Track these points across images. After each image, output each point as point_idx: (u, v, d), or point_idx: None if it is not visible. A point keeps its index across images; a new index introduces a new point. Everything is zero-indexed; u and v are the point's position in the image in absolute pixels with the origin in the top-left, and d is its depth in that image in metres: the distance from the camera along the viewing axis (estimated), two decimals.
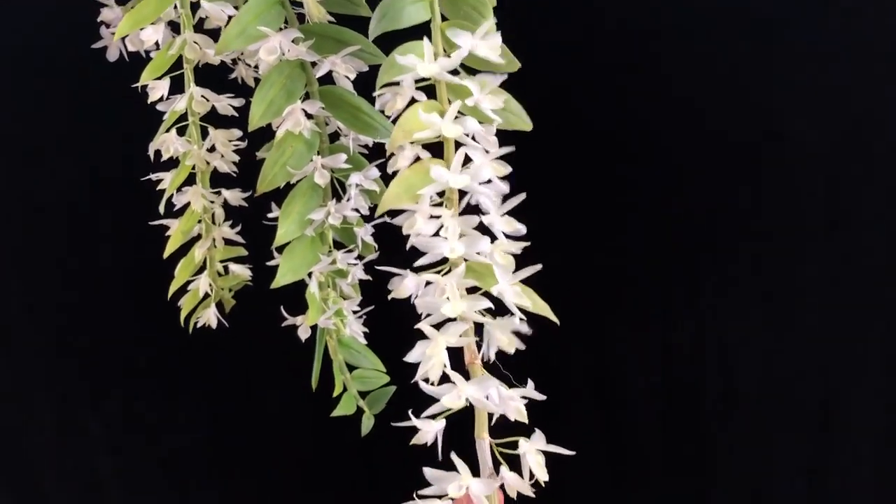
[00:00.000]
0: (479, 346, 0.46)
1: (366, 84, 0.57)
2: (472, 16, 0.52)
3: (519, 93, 0.50)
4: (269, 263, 0.61)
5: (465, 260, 0.46)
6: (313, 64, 0.58)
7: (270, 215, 0.61)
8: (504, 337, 0.46)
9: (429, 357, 0.44)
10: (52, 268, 0.98)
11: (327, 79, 0.59)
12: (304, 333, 0.64)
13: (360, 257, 0.62)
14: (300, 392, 0.67)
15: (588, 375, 0.98)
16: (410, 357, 0.45)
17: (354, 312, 0.64)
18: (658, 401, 0.97)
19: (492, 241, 0.46)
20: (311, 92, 0.59)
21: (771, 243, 0.93)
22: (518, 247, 0.46)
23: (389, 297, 0.47)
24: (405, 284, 0.46)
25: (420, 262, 0.46)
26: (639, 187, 0.94)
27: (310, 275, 0.62)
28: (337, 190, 0.61)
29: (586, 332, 0.95)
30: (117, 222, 0.96)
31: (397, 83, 0.49)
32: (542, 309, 0.47)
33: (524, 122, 0.51)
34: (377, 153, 0.60)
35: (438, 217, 0.46)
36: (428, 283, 0.46)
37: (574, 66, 0.92)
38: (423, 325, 0.45)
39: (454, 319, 0.45)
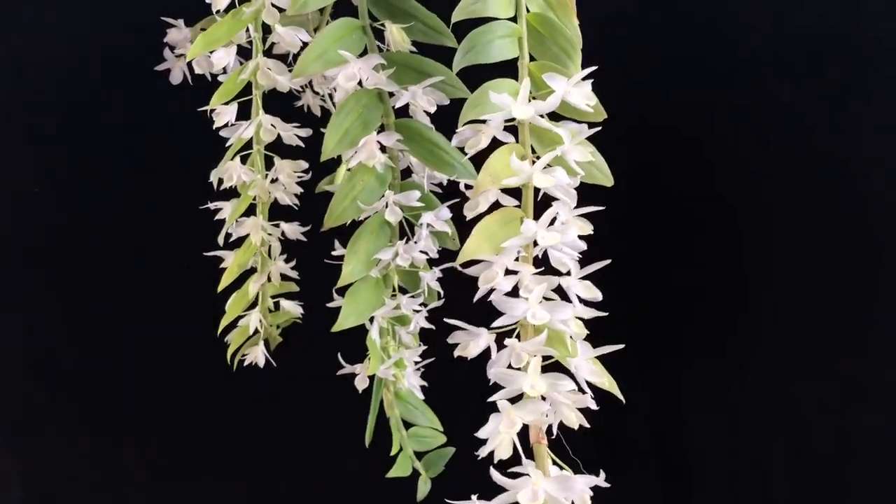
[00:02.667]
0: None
1: (442, 119, 0.56)
2: (560, 57, 0.50)
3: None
4: (329, 305, 0.57)
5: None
6: (391, 94, 0.55)
7: (335, 253, 0.57)
8: (572, 414, 0.43)
9: (501, 434, 0.41)
10: (95, 297, 0.94)
11: (404, 112, 0.57)
12: (361, 384, 0.61)
13: (423, 304, 0.59)
14: (348, 446, 0.63)
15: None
16: (482, 433, 0.41)
17: (415, 363, 0.60)
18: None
19: None
20: (386, 124, 0.56)
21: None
22: (592, 314, 0.43)
23: (456, 354, 0.43)
24: (476, 344, 0.43)
25: (497, 322, 0.42)
26: (705, 235, 0.91)
27: (371, 320, 0.58)
28: (405, 230, 0.58)
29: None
30: (164, 252, 0.92)
31: (482, 121, 0.47)
32: (610, 385, 0.44)
33: (606, 178, 0.49)
34: (449, 193, 0.58)
35: (516, 273, 0.43)
36: (502, 346, 0.42)
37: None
38: (499, 399, 0.41)
39: (535, 397, 0.41)
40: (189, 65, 0.65)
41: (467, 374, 0.46)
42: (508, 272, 0.43)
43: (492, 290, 0.43)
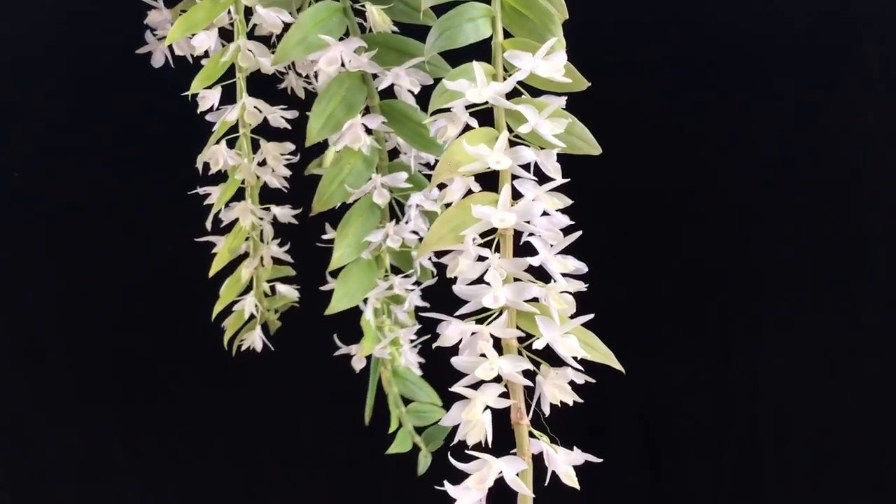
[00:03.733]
0: (527, 403, 0.42)
1: (428, 98, 0.54)
2: (538, 31, 0.48)
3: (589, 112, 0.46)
4: (322, 288, 0.57)
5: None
6: (375, 76, 0.55)
7: (325, 237, 0.57)
8: (557, 391, 0.42)
9: (467, 422, 0.40)
10: (83, 285, 0.93)
11: (389, 93, 0.56)
12: (358, 364, 0.61)
13: (417, 283, 0.58)
14: (349, 423, 0.63)
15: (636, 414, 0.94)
16: (445, 421, 0.40)
17: (411, 342, 0.60)
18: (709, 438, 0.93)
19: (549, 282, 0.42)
20: (371, 106, 0.56)
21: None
22: (577, 287, 0.42)
23: (434, 346, 0.43)
24: (447, 334, 0.41)
25: (462, 310, 0.41)
26: (693, 218, 0.90)
27: (365, 301, 0.58)
28: (395, 211, 0.57)
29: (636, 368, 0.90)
30: (157, 238, 0.92)
31: (449, 109, 0.46)
32: (605, 356, 0.43)
33: (591, 147, 0.47)
34: None
35: (486, 259, 0.42)
36: (472, 333, 0.41)
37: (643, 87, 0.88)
38: (459, 387, 0.40)
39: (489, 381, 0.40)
40: (171, 48, 0.64)
41: None
42: (480, 259, 0.42)
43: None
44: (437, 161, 0.56)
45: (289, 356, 0.69)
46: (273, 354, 0.66)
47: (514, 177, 0.43)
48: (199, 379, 0.93)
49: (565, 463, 0.42)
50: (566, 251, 0.42)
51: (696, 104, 0.88)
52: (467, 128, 0.44)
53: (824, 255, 0.89)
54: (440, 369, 0.62)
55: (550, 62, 0.44)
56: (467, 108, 0.44)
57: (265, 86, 0.61)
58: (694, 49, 0.88)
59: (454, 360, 0.40)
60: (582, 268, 0.42)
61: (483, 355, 0.40)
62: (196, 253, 0.63)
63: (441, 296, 0.45)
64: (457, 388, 0.40)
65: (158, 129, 0.88)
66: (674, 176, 0.89)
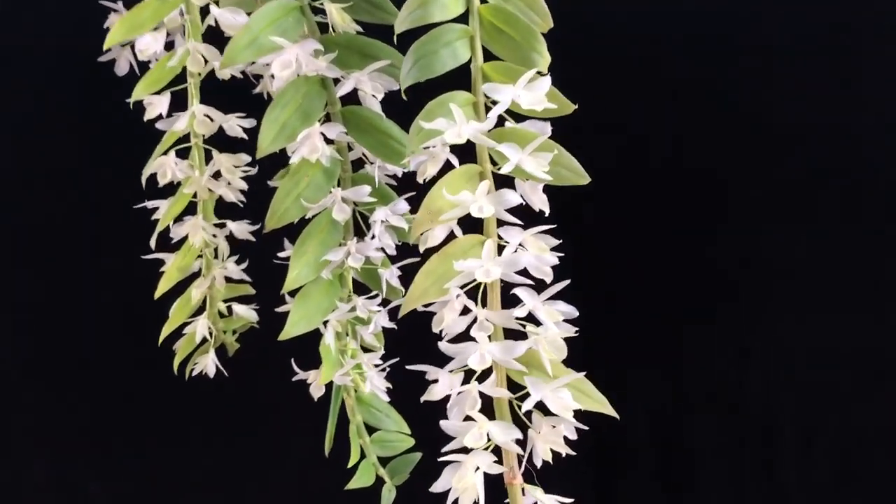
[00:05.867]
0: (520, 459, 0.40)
1: (396, 104, 0.51)
2: (521, 49, 0.45)
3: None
4: (278, 310, 0.53)
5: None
6: (336, 81, 0.51)
7: (282, 254, 0.53)
8: (549, 447, 0.40)
9: (459, 490, 0.39)
10: (25, 303, 0.89)
11: (352, 98, 0.52)
12: (316, 392, 0.56)
13: (384, 302, 0.54)
14: (310, 457, 0.58)
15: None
16: (436, 487, 0.39)
17: (376, 366, 0.56)
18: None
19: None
20: (332, 113, 0.52)
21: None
22: (568, 332, 0.40)
23: (422, 400, 0.41)
24: (436, 388, 0.40)
25: (449, 367, 0.40)
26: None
27: (325, 323, 0.54)
28: (360, 226, 0.53)
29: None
30: (104, 255, 0.87)
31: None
32: (599, 404, 0.41)
33: (579, 177, 0.44)
34: (406, 184, 0.53)
35: (470, 312, 0.40)
36: (459, 393, 0.39)
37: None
38: (451, 451, 0.39)
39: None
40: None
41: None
42: (466, 311, 0.40)
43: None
44: (404, 172, 0.53)
45: (246, 380, 0.64)
46: (230, 378, 0.62)
47: (500, 222, 0.41)
48: (149, 404, 0.88)
49: None
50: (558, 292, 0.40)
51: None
52: (448, 164, 0.42)
53: (837, 255, 0.86)
54: (411, 392, 0.59)
55: (533, 92, 0.42)
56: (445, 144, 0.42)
57: (239, 90, 0.56)
58: (692, 47, 0.86)
59: (443, 424, 0.39)
60: (572, 312, 0.40)
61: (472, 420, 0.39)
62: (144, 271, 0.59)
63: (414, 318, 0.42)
64: (448, 450, 0.39)
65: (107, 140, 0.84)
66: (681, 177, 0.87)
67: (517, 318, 0.39)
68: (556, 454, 0.40)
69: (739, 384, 0.88)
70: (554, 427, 0.39)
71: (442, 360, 0.41)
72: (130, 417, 0.89)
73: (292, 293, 0.53)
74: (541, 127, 0.43)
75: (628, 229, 0.88)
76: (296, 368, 0.56)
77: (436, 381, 0.39)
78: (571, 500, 0.41)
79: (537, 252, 0.40)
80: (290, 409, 0.74)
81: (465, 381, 0.39)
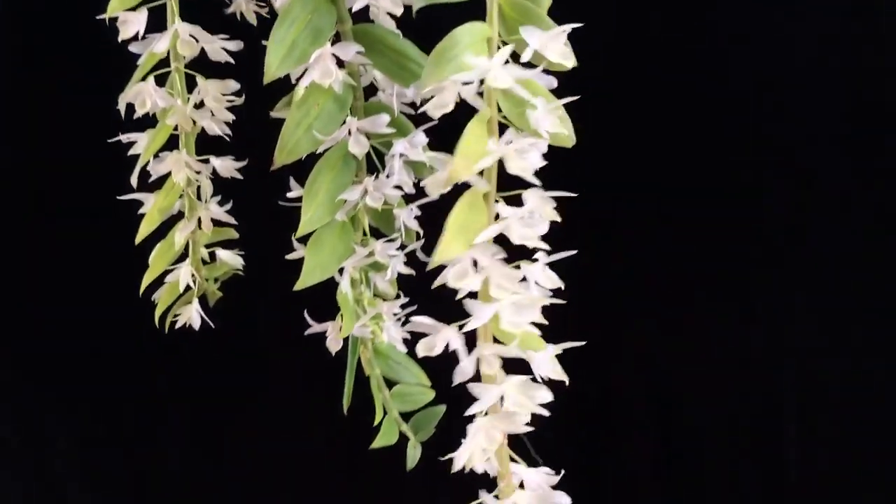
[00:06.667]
0: None
1: (410, 22, 0.46)
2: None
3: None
4: (289, 257, 0.48)
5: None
6: None
7: (290, 195, 0.47)
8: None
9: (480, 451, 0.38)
10: None
11: (363, 15, 0.47)
12: (334, 346, 0.51)
13: (401, 247, 0.49)
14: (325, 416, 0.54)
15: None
16: (461, 455, 0.38)
17: (394, 315, 0.51)
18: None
19: None
20: (342, 32, 0.46)
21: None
22: (548, 300, 0.39)
23: (420, 355, 0.38)
24: (435, 341, 0.38)
25: (468, 326, 0.37)
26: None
27: (341, 271, 0.48)
28: (374, 161, 0.48)
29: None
30: (77, 197, 0.81)
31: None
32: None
33: (567, 137, 0.41)
34: (423, 114, 0.48)
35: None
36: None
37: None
38: (477, 412, 0.37)
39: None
40: None
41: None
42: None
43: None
44: (422, 101, 0.47)
45: (241, 335, 0.59)
46: (221, 334, 0.57)
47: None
48: (133, 366, 0.83)
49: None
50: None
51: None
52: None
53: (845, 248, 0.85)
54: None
55: (556, 44, 0.39)
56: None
57: (208, 13, 0.51)
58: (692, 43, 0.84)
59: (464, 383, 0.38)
60: (560, 284, 0.39)
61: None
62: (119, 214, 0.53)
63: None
64: (473, 411, 0.38)
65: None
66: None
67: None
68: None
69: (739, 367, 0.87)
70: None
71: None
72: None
73: (302, 240, 0.47)
74: (547, 81, 0.39)
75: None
76: (310, 321, 0.51)
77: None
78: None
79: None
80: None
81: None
